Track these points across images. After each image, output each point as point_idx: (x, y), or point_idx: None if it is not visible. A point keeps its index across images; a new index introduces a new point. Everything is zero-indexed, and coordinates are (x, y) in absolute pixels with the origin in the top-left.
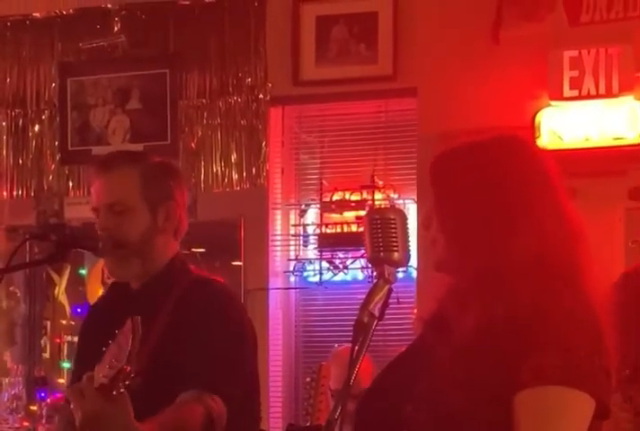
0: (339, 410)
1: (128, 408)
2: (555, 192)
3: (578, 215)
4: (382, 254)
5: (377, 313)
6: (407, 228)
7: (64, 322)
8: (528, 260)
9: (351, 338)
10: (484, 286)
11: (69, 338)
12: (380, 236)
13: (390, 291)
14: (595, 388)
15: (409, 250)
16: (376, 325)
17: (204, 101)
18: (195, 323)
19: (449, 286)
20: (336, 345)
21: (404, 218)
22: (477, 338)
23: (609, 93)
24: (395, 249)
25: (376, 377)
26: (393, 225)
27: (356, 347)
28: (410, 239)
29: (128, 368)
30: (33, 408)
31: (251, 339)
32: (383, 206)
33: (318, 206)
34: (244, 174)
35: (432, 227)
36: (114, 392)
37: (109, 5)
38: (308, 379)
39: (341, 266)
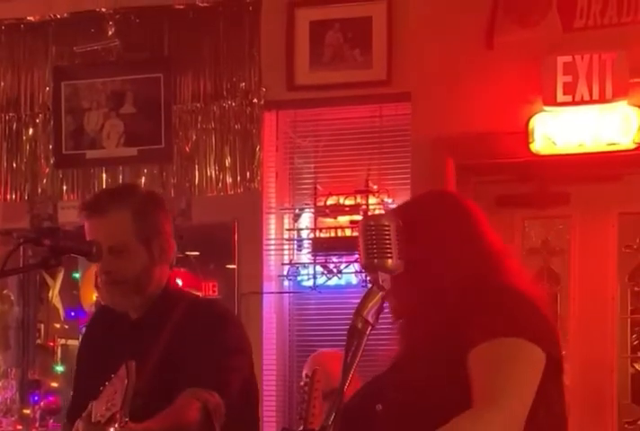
0: (332, 416)
1: None
2: (476, 231)
3: (498, 240)
4: (376, 261)
5: (371, 320)
6: (400, 234)
7: (57, 326)
8: (461, 283)
9: (344, 343)
10: (428, 301)
11: (63, 341)
12: (374, 243)
13: (384, 297)
14: (541, 341)
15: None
16: (370, 331)
17: (198, 105)
18: (194, 342)
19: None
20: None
21: (398, 224)
22: (431, 334)
23: (603, 99)
24: (389, 255)
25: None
26: (387, 232)
27: (350, 353)
28: (402, 245)
29: (119, 415)
30: (27, 411)
31: (247, 353)
32: (377, 213)
33: (312, 210)
34: (239, 178)
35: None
36: None
37: (103, 9)
38: (302, 383)
39: (335, 270)
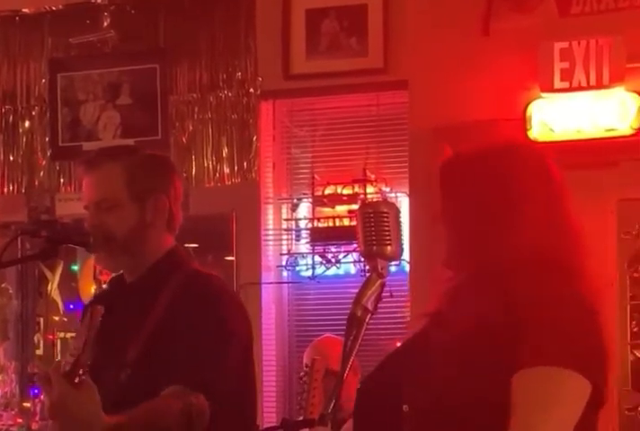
0: (332, 404)
1: (95, 396)
2: (556, 196)
3: (578, 219)
4: (375, 248)
5: (370, 307)
6: (400, 222)
7: (57, 319)
8: (525, 256)
9: (344, 332)
10: (482, 280)
11: (62, 334)
12: (373, 230)
13: (383, 285)
14: (590, 371)
15: (402, 244)
16: (369, 319)
17: (195, 95)
18: (187, 318)
19: (450, 281)
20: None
21: (396, 212)
22: (474, 328)
23: (600, 85)
24: (388, 242)
25: (372, 372)
26: (386, 219)
27: (349, 341)
28: (403, 232)
29: (83, 357)
30: (27, 404)
31: (242, 337)
32: (376, 200)
33: (310, 200)
34: (236, 168)
35: (440, 225)
36: (76, 380)
37: (98, 0)
38: (302, 373)
39: (333, 260)
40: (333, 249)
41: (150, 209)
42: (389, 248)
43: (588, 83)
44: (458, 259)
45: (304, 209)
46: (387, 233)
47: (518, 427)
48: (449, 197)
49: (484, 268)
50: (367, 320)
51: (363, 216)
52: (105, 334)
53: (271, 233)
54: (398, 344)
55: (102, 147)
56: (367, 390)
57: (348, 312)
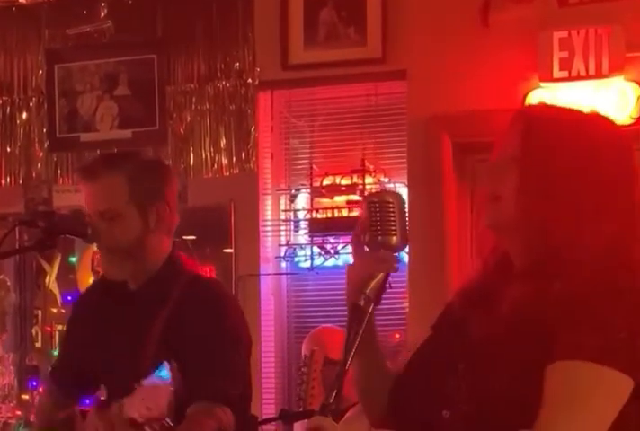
0: (334, 394)
1: None
2: (638, 190)
3: None
4: (380, 238)
5: (372, 297)
6: (405, 212)
7: (55, 311)
8: (599, 248)
9: (346, 322)
10: (544, 264)
11: (60, 326)
12: (378, 220)
13: (387, 276)
14: (632, 367)
15: (406, 234)
16: (373, 309)
17: (192, 86)
18: (193, 327)
19: (495, 251)
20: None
21: (401, 202)
22: (520, 314)
23: (599, 74)
24: (394, 233)
25: (405, 372)
26: (391, 209)
27: (352, 331)
28: (407, 223)
29: (170, 425)
30: (25, 397)
31: (247, 342)
32: (381, 190)
33: (309, 190)
34: (234, 159)
35: (502, 182)
36: None
37: None
38: (300, 364)
39: (332, 251)
40: (331, 240)
41: (152, 217)
42: (394, 238)
43: (587, 72)
44: (520, 227)
45: (302, 200)
46: (393, 223)
47: (540, 424)
48: (536, 157)
49: (549, 248)
50: (370, 310)
51: (368, 206)
52: (111, 341)
53: (269, 223)
54: (397, 335)
55: (99, 155)
56: (401, 392)
57: (347, 302)
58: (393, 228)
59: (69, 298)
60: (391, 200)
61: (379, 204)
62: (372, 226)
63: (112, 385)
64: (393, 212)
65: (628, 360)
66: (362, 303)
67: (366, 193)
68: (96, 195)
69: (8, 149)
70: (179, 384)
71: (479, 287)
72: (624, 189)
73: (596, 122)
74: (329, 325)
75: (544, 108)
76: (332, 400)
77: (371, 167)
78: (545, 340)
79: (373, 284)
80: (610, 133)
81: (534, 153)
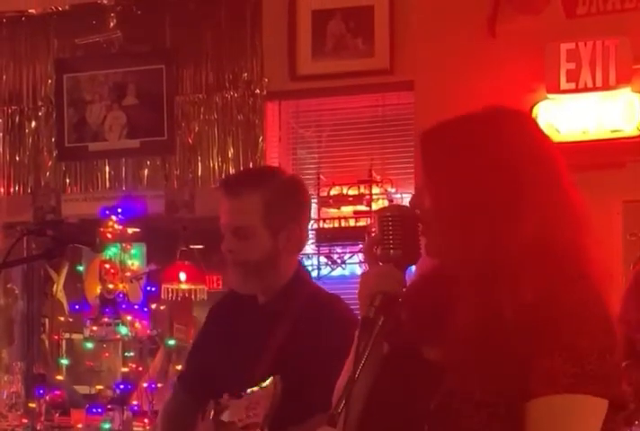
0: (342, 404)
1: None
2: (559, 176)
3: (582, 200)
4: (392, 252)
5: (382, 309)
6: (417, 226)
7: (62, 319)
8: (530, 249)
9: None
10: (483, 277)
11: (67, 335)
12: (391, 234)
13: (398, 289)
14: (608, 388)
15: (419, 248)
16: (383, 322)
17: (200, 96)
18: (312, 343)
19: (438, 272)
20: None
21: (414, 216)
22: (483, 337)
23: (606, 86)
24: (406, 247)
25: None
26: (403, 223)
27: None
28: (419, 237)
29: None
30: (32, 405)
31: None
32: (395, 204)
33: (316, 200)
34: (242, 169)
35: (424, 208)
36: None
37: (104, 1)
38: None
39: (339, 261)
40: (338, 249)
41: (283, 239)
42: (406, 252)
43: (594, 84)
44: (449, 248)
45: None
46: (405, 238)
47: None
48: (436, 174)
49: (482, 260)
50: (380, 322)
51: (381, 220)
52: (233, 350)
53: None
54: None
55: (243, 172)
56: (380, 395)
57: (356, 312)
58: (405, 242)
59: (76, 307)
60: (403, 214)
61: (392, 218)
62: (384, 240)
63: (227, 391)
64: (405, 226)
65: (603, 382)
66: (372, 315)
67: (374, 206)
68: (234, 212)
69: (17, 158)
70: (279, 397)
71: (425, 301)
72: (539, 182)
73: (486, 119)
74: None
75: (434, 127)
76: (340, 410)
77: (378, 177)
78: (514, 370)
79: (383, 297)
80: (510, 125)
81: (433, 173)
